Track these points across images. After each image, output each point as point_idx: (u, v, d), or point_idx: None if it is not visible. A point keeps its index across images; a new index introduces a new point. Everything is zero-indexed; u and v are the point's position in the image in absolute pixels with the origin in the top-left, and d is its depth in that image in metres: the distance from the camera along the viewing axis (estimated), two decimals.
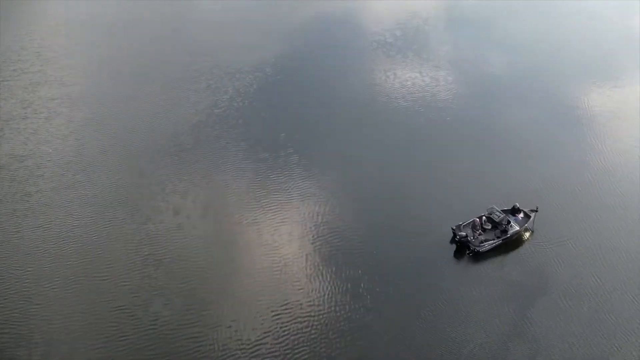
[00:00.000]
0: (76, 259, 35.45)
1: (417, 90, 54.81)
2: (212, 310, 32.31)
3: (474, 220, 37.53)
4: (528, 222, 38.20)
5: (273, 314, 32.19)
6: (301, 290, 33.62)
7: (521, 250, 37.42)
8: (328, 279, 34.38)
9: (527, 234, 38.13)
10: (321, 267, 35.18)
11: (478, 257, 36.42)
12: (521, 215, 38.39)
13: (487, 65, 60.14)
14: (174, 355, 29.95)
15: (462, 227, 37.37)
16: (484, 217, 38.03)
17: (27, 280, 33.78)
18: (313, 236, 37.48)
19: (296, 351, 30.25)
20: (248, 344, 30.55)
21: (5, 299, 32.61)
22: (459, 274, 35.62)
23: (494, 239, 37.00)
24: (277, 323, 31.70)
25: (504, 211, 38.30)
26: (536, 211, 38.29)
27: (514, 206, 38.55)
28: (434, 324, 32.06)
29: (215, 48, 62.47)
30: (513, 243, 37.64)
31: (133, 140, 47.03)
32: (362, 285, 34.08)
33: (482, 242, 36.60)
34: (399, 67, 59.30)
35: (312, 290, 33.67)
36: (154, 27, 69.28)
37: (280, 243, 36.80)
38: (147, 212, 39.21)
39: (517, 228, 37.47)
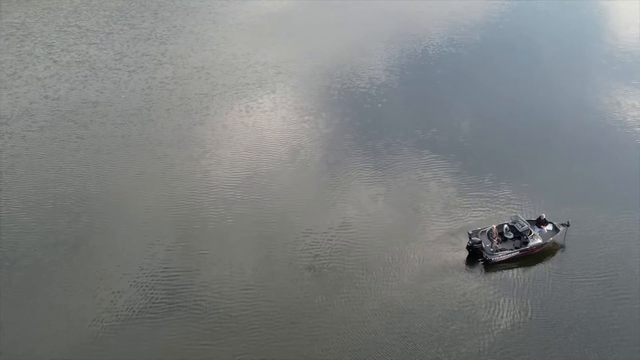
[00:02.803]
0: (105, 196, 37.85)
1: None
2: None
3: (491, 227, 34.26)
4: (555, 236, 34.02)
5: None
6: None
7: (541, 266, 33.38)
8: None
9: (557, 250, 34.10)
10: None
11: (491, 266, 33.11)
12: (549, 227, 34.31)
13: None
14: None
15: (479, 233, 34.29)
16: (505, 226, 34.53)
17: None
18: None
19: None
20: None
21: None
22: (460, 280, 32.56)
23: (511, 250, 33.51)
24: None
25: (529, 222, 34.49)
26: (567, 225, 33.92)
27: (539, 217, 34.54)
28: (404, 330, 29.61)
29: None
30: (536, 257, 33.73)
31: (198, 104, 48.90)
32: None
33: (497, 250, 33.35)
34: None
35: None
36: None
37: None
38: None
39: (539, 241, 33.44)
